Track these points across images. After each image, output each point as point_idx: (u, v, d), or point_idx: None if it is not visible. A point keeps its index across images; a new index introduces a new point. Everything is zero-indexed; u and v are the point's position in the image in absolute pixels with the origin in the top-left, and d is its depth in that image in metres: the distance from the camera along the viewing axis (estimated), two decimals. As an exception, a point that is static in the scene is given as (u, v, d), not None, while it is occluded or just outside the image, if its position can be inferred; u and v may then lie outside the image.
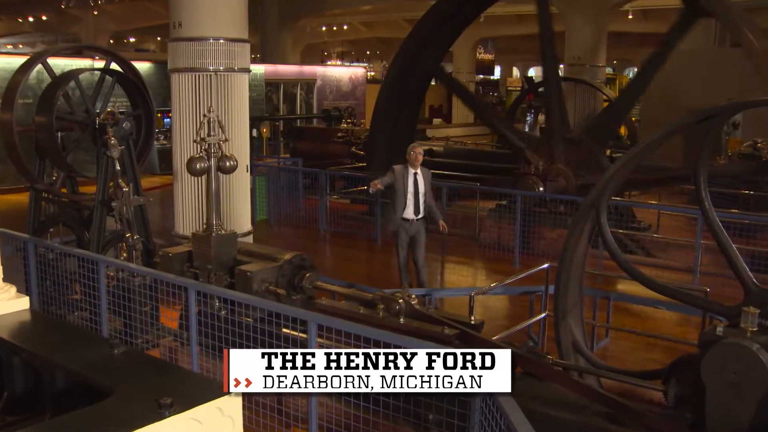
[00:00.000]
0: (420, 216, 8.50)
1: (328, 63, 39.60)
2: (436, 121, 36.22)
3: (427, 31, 12.83)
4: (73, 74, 6.53)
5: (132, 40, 36.77)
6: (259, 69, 23.44)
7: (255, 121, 18.39)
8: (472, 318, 5.11)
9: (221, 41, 9.49)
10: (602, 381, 5.56)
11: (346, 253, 11.73)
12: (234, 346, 5.18)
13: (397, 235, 8.58)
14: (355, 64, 37.49)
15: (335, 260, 11.74)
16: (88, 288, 5.89)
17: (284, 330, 5.06)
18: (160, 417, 2.88)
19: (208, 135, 5.76)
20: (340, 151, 16.11)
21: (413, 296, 5.22)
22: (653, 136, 5.35)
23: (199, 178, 9.41)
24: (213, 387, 3.23)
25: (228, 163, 5.87)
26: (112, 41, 34.56)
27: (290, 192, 14.55)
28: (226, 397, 3.16)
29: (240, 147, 9.99)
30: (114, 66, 7.42)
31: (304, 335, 4.68)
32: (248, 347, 5.08)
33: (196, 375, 3.57)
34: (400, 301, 5.14)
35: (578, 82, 20.00)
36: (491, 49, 43.75)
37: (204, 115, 5.78)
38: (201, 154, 5.76)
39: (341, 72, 27.87)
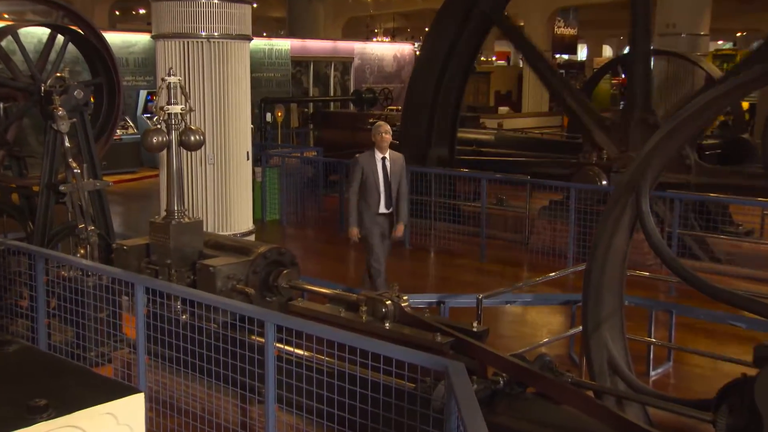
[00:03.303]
0: (390, 210, 8.45)
1: (375, 40, 39.63)
2: (503, 109, 36.00)
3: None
4: (9, 29, 6.61)
5: (142, 12, 37.46)
6: (283, 45, 23.67)
7: (269, 104, 18.57)
8: (475, 324, 4.97)
9: (215, 2, 9.55)
10: (651, 412, 5.37)
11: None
12: (194, 357, 5.17)
13: (369, 234, 8.47)
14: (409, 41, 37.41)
15: (356, 266, 11.72)
16: (31, 290, 5.96)
17: (254, 338, 5.02)
18: (27, 423, 2.83)
19: (168, 103, 5.76)
20: (371, 139, 16.05)
21: (405, 298, 5.12)
22: (713, 91, 5.05)
23: (191, 165, 9.62)
24: (111, 389, 3.19)
25: (193, 138, 5.88)
26: (118, 13, 35.26)
27: (309, 187, 14.61)
28: (123, 399, 3.11)
29: (239, 130, 10.05)
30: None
31: (283, 345, 4.64)
32: (211, 359, 5.07)
33: (97, 376, 3.53)
34: (388, 303, 5.05)
35: (671, 55, 19.27)
36: (573, 22, 42.74)
37: (162, 79, 5.79)
38: (159, 126, 5.77)
39: (384, 49, 27.93)
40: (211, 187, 9.79)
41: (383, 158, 8.38)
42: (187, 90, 9.20)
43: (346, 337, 4.18)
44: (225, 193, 9.95)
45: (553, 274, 6.83)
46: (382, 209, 8.42)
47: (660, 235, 5.15)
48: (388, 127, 8.52)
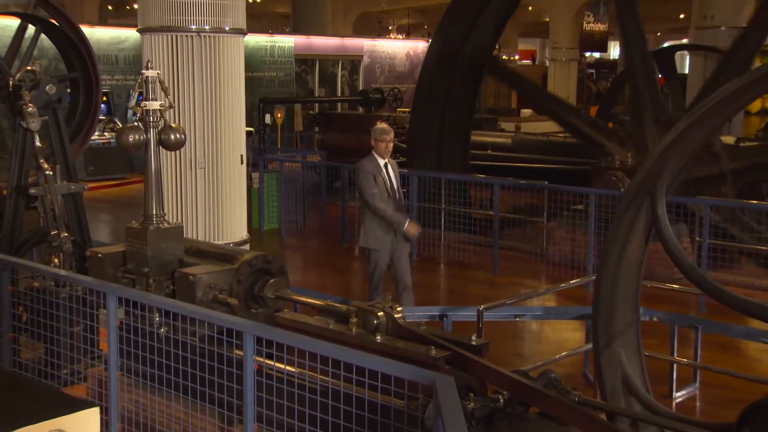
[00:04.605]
0: None
1: (389, 37, 39.59)
2: (525, 111, 35.94)
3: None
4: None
5: (137, 7, 37.45)
6: (287, 42, 23.77)
7: (268, 104, 18.64)
8: (474, 338, 4.95)
9: (206, -8, 9.59)
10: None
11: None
12: (170, 373, 5.17)
13: (379, 248, 8.41)
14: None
15: (361, 278, 11.72)
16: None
17: (238, 352, 5.02)
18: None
19: (147, 99, 5.78)
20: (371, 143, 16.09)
21: (399, 309, 5.10)
22: (740, 80, 4.92)
23: (179, 169, 9.64)
24: (64, 404, 3.21)
25: (173, 136, 5.88)
26: (110, 7, 35.52)
27: (312, 195, 14.64)
28: (74, 414, 3.12)
29: (233, 132, 10.07)
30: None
31: (268, 361, 4.64)
32: (192, 375, 5.07)
33: (53, 392, 3.56)
34: (380, 314, 5.03)
35: (708, 50, 19.20)
36: (604, 17, 42.51)
37: (140, 73, 5.81)
38: (136, 124, 5.79)
39: (395, 47, 28.02)
40: (201, 193, 9.81)
41: (385, 164, 8.34)
42: (177, 88, 9.37)
43: (330, 350, 4.18)
44: (217, 200, 9.96)
45: (574, 282, 6.80)
46: None
47: (678, 242, 5.11)
48: (393, 133, 8.52)
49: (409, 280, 8.52)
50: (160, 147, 5.92)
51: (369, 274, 8.65)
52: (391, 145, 8.32)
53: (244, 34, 10.17)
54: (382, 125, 8.73)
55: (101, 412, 5.15)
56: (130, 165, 19.69)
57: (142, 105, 5.78)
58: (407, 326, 5.06)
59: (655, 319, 6.95)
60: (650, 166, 5.05)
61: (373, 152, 8.40)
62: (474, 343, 4.90)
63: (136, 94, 5.98)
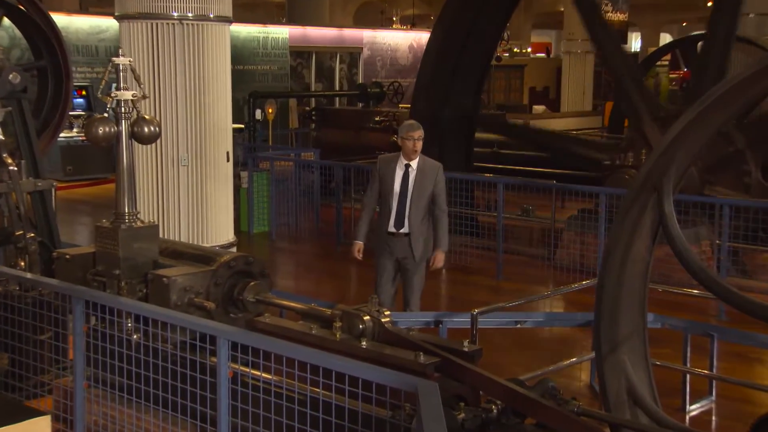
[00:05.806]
0: (405, 230, 7.91)
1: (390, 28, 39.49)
2: (538, 108, 35.95)
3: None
4: None
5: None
6: (281, 33, 23.80)
7: (258, 99, 18.66)
8: (466, 344, 4.94)
9: (189, -23, 9.60)
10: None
11: (371, 276, 11.71)
12: (141, 382, 5.17)
13: (379, 256, 8.07)
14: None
15: (358, 284, 11.73)
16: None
17: (213, 359, 5.02)
18: None
19: (117, 88, 5.79)
20: (378, 141, 16.12)
21: (387, 312, 5.10)
22: (754, 66, 4.86)
23: (161, 167, 9.64)
24: (10, 412, 3.23)
25: (146, 129, 5.88)
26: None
27: (305, 195, 14.64)
28: (21, 424, 3.15)
29: (218, 127, 10.08)
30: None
31: (244, 368, 4.63)
32: (164, 384, 5.07)
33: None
34: (366, 318, 5.03)
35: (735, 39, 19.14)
36: (623, 6, 42.37)
37: (111, 61, 5.82)
38: (107, 115, 5.79)
39: (398, 38, 28.03)
40: (184, 193, 9.80)
41: (407, 165, 7.88)
42: (157, 80, 9.38)
43: (308, 355, 4.17)
44: (201, 200, 9.96)
45: (576, 286, 6.78)
46: (391, 228, 7.93)
47: (686, 242, 5.09)
48: (422, 131, 7.89)
49: (415, 303, 8.14)
50: (133, 140, 5.92)
51: None
52: (419, 144, 7.82)
53: (230, 22, 10.17)
54: (409, 121, 8.23)
55: (67, 426, 5.20)
56: (111, 164, 19.71)
57: (113, 95, 5.79)
58: (395, 331, 5.06)
59: (666, 326, 6.92)
60: (655, 159, 5.03)
61: (401, 150, 7.97)
62: (466, 349, 4.89)
63: (104, 83, 5.98)
